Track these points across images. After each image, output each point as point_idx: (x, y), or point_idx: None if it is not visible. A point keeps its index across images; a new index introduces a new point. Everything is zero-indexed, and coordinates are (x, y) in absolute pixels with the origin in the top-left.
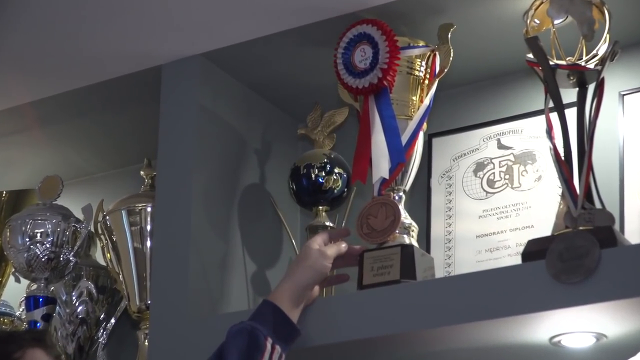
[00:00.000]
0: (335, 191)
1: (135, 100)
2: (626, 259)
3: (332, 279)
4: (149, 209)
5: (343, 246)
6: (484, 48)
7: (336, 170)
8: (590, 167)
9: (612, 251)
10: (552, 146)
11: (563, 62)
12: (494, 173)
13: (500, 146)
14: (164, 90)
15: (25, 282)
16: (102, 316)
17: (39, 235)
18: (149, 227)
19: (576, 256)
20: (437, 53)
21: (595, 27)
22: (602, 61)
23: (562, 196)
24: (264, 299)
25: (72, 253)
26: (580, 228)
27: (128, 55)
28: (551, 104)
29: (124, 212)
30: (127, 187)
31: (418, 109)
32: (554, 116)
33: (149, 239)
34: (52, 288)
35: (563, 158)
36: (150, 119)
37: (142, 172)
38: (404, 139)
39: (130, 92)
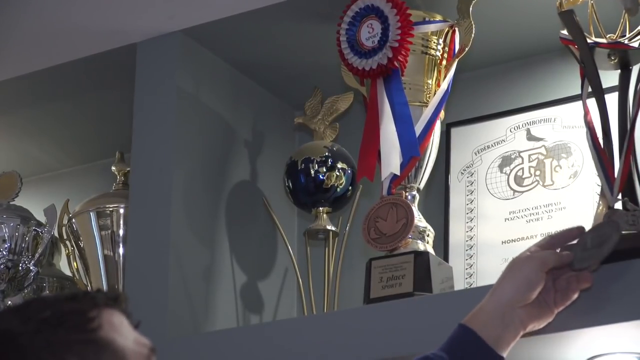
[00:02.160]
0: (338, 190)
1: (106, 84)
2: None
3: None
4: (121, 211)
5: (566, 254)
6: (510, 23)
7: (339, 166)
8: (632, 152)
9: None
10: (589, 131)
11: (603, 40)
12: (522, 169)
13: (530, 137)
14: (139, 73)
15: None
16: None
17: None
18: (121, 232)
19: (597, 244)
20: (456, 29)
21: None
22: None
23: (602, 195)
24: (459, 323)
25: (32, 262)
26: (623, 232)
27: (97, 32)
28: (589, 89)
29: (92, 214)
30: (96, 185)
31: (434, 94)
32: (592, 102)
33: (121, 245)
34: (10, 302)
35: (607, 154)
36: (123, 105)
37: (113, 168)
38: (418, 129)
39: (100, 74)
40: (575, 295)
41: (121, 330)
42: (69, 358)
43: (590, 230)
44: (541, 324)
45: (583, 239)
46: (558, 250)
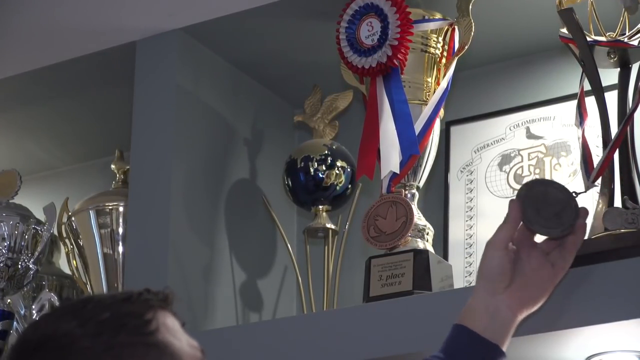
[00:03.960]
0: (338, 188)
1: (105, 82)
2: None
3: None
4: (121, 209)
5: (511, 215)
6: (510, 22)
7: (339, 164)
8: (620, 143)
9: None
10: (580, 135)
11: (602, 38)
12: (522, 167)
13: (530, 136)
14: (139, 71)
15: None
16: None
17: None
18: (121, 230)
19: (554, 213)
20: (456, 27)
21: None
22: None
23: (601, 194)
24: (454, 324)
25: (32, 260)
26: (622, 230)
27: (96, 30)
28: (588, 87)
29: (92, 213)
30: (95, 184)
31: (434, 92)
32: (591, 101)
33: (121, 243)
34: (9, 300)
35: (590, 148)
36: (122, 103)
37: (112, 166)
38: (418, 127)
39: (100, 72)
40: (571, 258)
41: (175, 332)
42: None
43: (523, 194)
44: (535, 304)
45: (528, 203)
46: None
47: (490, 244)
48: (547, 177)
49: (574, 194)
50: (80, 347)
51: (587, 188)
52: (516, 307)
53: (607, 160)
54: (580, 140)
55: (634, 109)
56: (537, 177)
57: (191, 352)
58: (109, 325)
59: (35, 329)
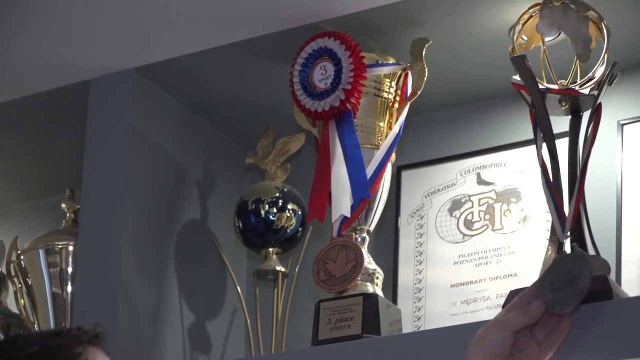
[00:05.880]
0: (289, 231)
1: (57, 120)
2: (623, 314)
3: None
4: (70, 248)
5: (534, 308)
6: (463, 67)
7: (289, 207)
8: (582, 195)
9: (607, 305)
10: (542, 172)
11: (554, 86)
12: (472, 212)
13: (480, 181)
14: (91, 110)
15: None
16: None
17: None
18: (70, 269)
19: (568, 282)
20: (409, 72)
21: (592, 45)
22: (599, 85)
23: (551, 240)
24: None
25: None
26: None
27: (49, 68)
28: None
29: (41, 251)
30: (45, 222)
31: (386, 136)
32: (543, 147)
33: (70, 283)
34: None
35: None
36: (73, 142)
37: (63, 205)
38: (369, 171)
39: (52, 110)
40: (559, 342)
41: None
42: None
43: (550, 270)
44: None
45: (546, 281)
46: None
47: (500, 323)
48: (497, 222)
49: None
50: None
51: (563, 239)
52: None
53: (575, 212)
54: (548, 190)
55: (587, 158)
56: (488, 223)
57: None
58: (37, 358)
59: None
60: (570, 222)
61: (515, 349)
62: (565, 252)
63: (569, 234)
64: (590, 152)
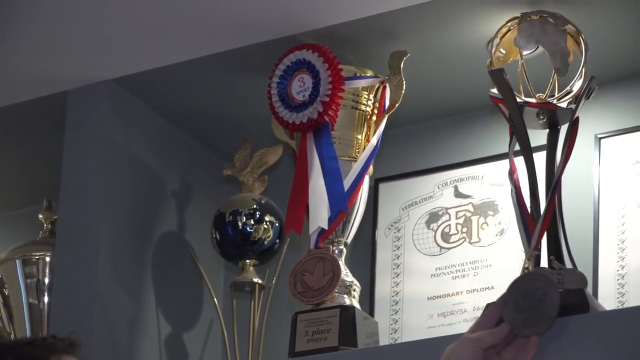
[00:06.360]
0: (266, 242)
1: (35, 132)
2: (599, 327)
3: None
4: (47, 259)
5: (501, 329)
6: (441, 80)
7: (267, 219)
8: (558, 211)
9: (584, 318)
10: (514, 188)
11: (532, 99)
12: (449, 225)
13: (458, 194)
14: (69, 121)
15: None
16: None
17: None
18: (47, 280)
19: (534, 303)
20: (387, 85)
21: (570, 59)
22: (577, 99)
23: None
24: None
25: None
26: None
27: (27, 79)
28: (517, 147)
29: (18, 262)
30: (22, 233)
31: (364, 149)
32: (520, 160)
33: (46, 293)
34: None
35: (529, 210)
36: (51, 153)
37: (40, 216)
38: (347, 183)
39: (30, 121)
40: None
41: None
42: None
43: (513, 287)
44: None
45: (509, 299)
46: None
47: (469, 341)
48: (474, 235)
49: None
50: None
51: (530, 256)
52: None
53: (544, 226)
54: (518, 205)
55: (561, 173)
56: (465, 236)
57: None
58: None
59: None
60: (537, 238)
61: None
62: (532, 268)
63: (537, 251)
64: (565, 167)
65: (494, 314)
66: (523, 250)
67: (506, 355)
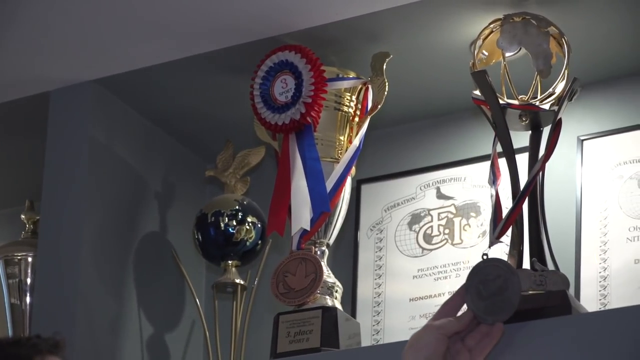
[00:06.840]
0: (248, 243)
1: (17, 132)
2: (582, 329)
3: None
4: (29, 259)
5: (464, 315)
6: (424, 82)
7: (249, 220)
8: (521, 205)
9: (566, 319)
10: (494, 193)
11: (515, 101)
12: (431, 227)
13: (440, 196)
14: (51, 121)
15: None
16: None
17: None
18: (29, 280)
19: (495, 290)
20: (369, 86)
21: (553, 61)
22: (560, 101)
23: (510, 255)
24: None
25: None
26: (530, 292)
27: (9, 80)
28: (500, 149)
29: (0, 262)
30: (4, 233)
31: (346, 150)
32: (503, 162)
33: (28, 294)
34: None
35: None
36: (34, 153)
37: (22, 216)
38: (329, 184)
39: (11, 122)
40: (490, 348)
41: None
42: None
43: (473, 274)
44: None
45: (471, 286)
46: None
47: (433, 328)
48: (456, 237)
49: (484, 257)
50: None
51: (492, 244)
52: None
53: (512, 217)
54: (494, 199)
55: (539, 169)
56: (447, 238)
57: None
58: None
59: None
60: (501, 227)
61: (448, 355)
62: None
63: (498, 239)
64: (544, 165)
65: (456, 301)
66: (505, 252)
67: (470, 342)
